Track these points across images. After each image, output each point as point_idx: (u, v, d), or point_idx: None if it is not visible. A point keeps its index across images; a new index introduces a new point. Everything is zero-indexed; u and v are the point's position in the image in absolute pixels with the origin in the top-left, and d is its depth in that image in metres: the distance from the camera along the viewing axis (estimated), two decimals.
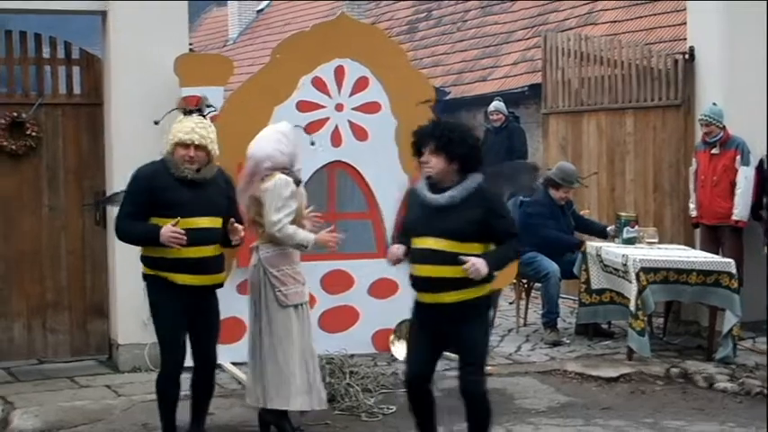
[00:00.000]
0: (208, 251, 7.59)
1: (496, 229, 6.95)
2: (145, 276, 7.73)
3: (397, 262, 7.22)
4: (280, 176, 7.95)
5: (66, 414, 8.82)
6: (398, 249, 7.18)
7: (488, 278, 6.98)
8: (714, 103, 11.50)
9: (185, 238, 7.37)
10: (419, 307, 7.24)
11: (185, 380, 7.90)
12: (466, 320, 7.00)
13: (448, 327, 7.06)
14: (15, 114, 10.30)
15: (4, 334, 10.45)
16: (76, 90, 10.68)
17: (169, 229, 7.37)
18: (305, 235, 7.93)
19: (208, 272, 7.65)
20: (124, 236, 7.72)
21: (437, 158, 6.97)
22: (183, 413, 8.22)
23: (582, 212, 12.51)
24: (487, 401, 7.15)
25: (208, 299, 7.80)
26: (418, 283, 7.12)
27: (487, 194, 6.97)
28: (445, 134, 6.98)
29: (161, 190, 7.50)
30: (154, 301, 7.71)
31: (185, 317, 7.69)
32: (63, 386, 9.75)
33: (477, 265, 6.77)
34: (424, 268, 7.00)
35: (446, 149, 6.95)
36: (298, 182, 8.07)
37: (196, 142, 7.50)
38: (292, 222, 7.91)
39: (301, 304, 8.08)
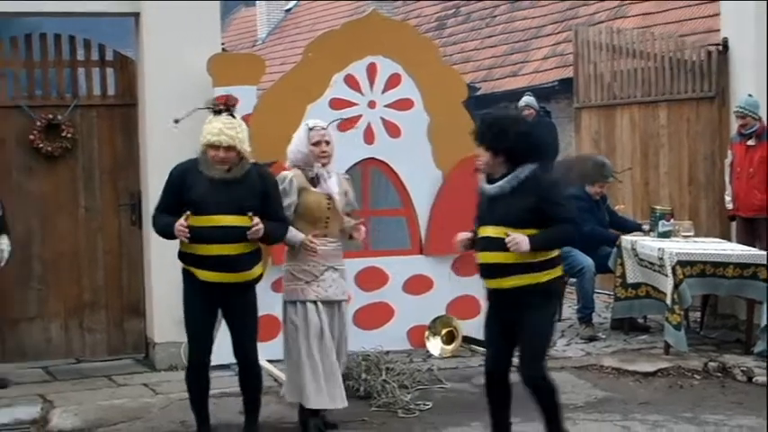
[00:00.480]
0: (231, 249, 7.57)
1: (551, 216, 7.10)
2: (182, 271, 7.80)
3: (464, 246, 7.50)
4: (281, 173, 8.18)
5: (104, 413, 8.85)
6: (464, 233, 7.48)
7: (545, 265, 7.16)
8: (750, 95, 11.40)
9: (188, 232, 7.45)
10: (488, 294, 7.47)
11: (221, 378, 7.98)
12: (527, 307, 7.13)
13: (512, 313, 7.21)
14: (51, 116, 10.35)
15: (42, 334, 10.51)
16: (111, 91, 10.73)
17: (179, 223, 7.46)
18: (294, 233, 8.03)
19: (231, 269, 7.62)
20: (154, 228, 7.89)
21: (485, 152, 7.22)
22: (220, 412, 8.29)
23: (616, 207, 12.48)
24: (549, 388, 7.26)
25: (240, 297, 7.79)
26: (482, 270, 7.35)
27: (542, 183, 7.15)
28: (487, 130, 7.22)
29: (189, 188, 7.57)
30: (184, 294, 7.79)
31: (211, 312, 7.76)
32: (101, 385, 9.79)
33: (518, 239, 6.99)
34: (485, 255, 7.22)
35: (489, 144, 7.17)
36: (312, 179, 8.15)
37: (224, 144, 7.54)
38: (311, 217, 8.06)
39: (303, 302, 8.07)
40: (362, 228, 8.38)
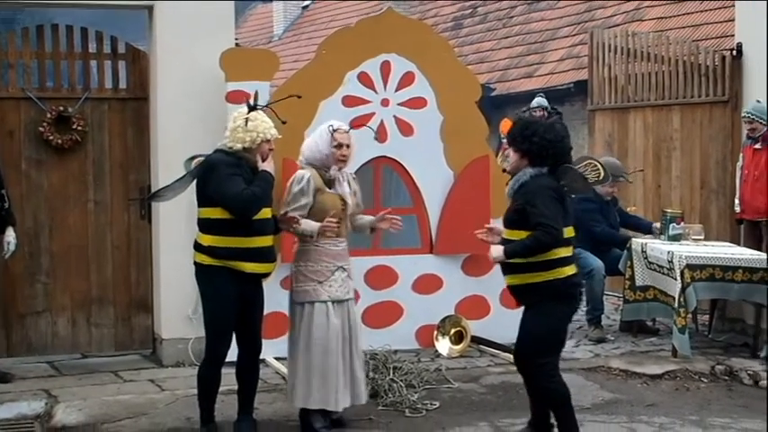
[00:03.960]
0: (270, 240, 7.80)
1: (529, 218, 7.26)
2: (202, 267, 7.73)
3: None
4: (298, 172, 8.13)
5: (109, 408, 8.82)
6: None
7: (535, 267, 7.31)
8: (758, 101, 11.45)
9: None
10: None
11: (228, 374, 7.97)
12: (528, 306, 7.51)
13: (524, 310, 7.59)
14: (62, 108, 10.32)
15: (49, 328, 10.48)
16: (122, 84, 10.69)
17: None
18: (307, 224, 7.99)
19: (270, 260, 7.81)
20: (258, 200, 7.58)
21: (513, 153, 7.51)
22: (225, 408, 8.27)
23: (629, 209, 12.45)
24: (543, 387, 7.58)
25: (259, 288, 7.93)
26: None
27: (527, 186, 7.36)
28: (518, 131, 7.48)
29: (248, 181, 7.59)
30: (214, 290, 7.72)
31: (238, 306, 7.75)
32: (107, 380, 9.76)
33: (492, 249, 7.44)
34: None
35: (515, 145, 7.46)
36: (328, 181, 8.11)
37: (273, 137, 7.74)
38: (324, 218, 7.96)
39: (314, 302, 8.05)
40: (390, 216, 8.39)
